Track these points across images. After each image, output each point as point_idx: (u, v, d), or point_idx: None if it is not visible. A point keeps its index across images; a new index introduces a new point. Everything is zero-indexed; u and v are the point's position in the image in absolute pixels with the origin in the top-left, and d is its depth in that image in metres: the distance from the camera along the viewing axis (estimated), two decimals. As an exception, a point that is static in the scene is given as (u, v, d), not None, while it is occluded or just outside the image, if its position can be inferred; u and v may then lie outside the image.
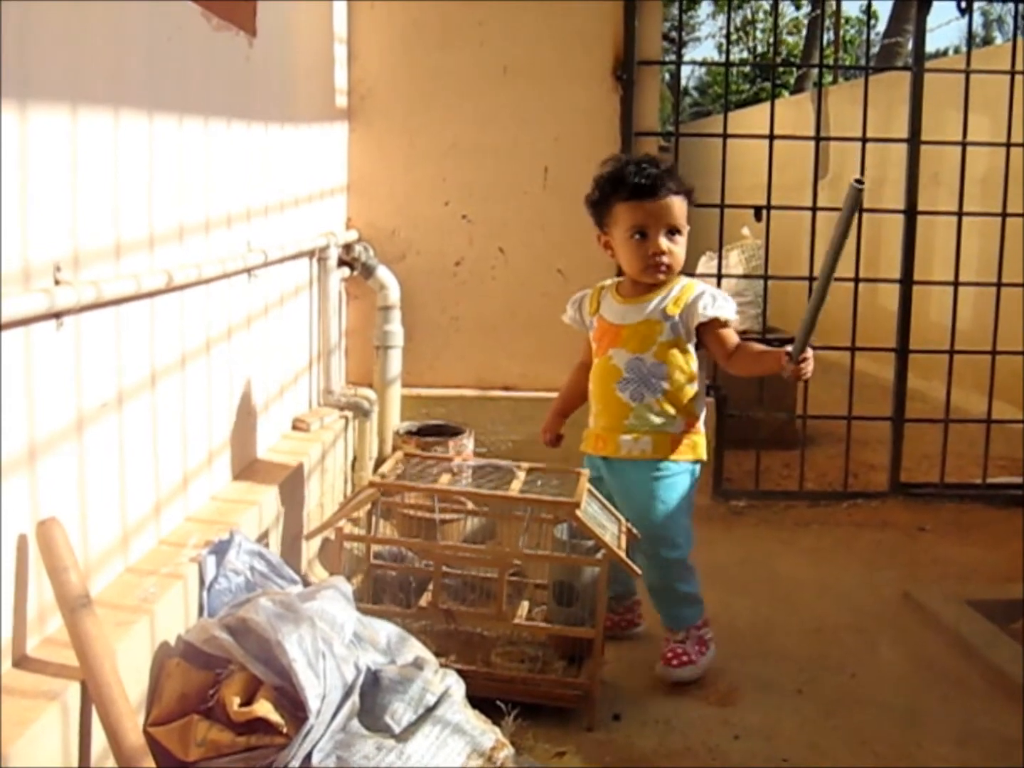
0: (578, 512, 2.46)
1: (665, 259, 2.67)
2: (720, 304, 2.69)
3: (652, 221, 2.67)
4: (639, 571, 2.52)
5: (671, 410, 2.69)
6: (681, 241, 2.70)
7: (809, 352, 2.54)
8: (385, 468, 2.76)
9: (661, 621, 2.80)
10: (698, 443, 2.75)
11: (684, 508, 2.73)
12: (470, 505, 2.82)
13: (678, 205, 2.67)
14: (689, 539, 2.76)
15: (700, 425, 2.76)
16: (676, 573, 2.75)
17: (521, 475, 2.69)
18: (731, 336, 2.72)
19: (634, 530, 2.66)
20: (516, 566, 2.73)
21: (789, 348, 2.56)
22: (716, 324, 2.69)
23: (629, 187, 2.67)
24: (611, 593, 2.80)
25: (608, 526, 2.60)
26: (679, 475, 2.72)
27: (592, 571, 2.55)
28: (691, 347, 2.71)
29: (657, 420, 2.69)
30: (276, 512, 2.81)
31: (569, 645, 2.58)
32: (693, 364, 2.72)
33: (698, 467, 2.76)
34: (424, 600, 2.62)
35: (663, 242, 2.67)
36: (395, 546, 2.79)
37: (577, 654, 2.56)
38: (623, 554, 2.48)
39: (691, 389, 2.72)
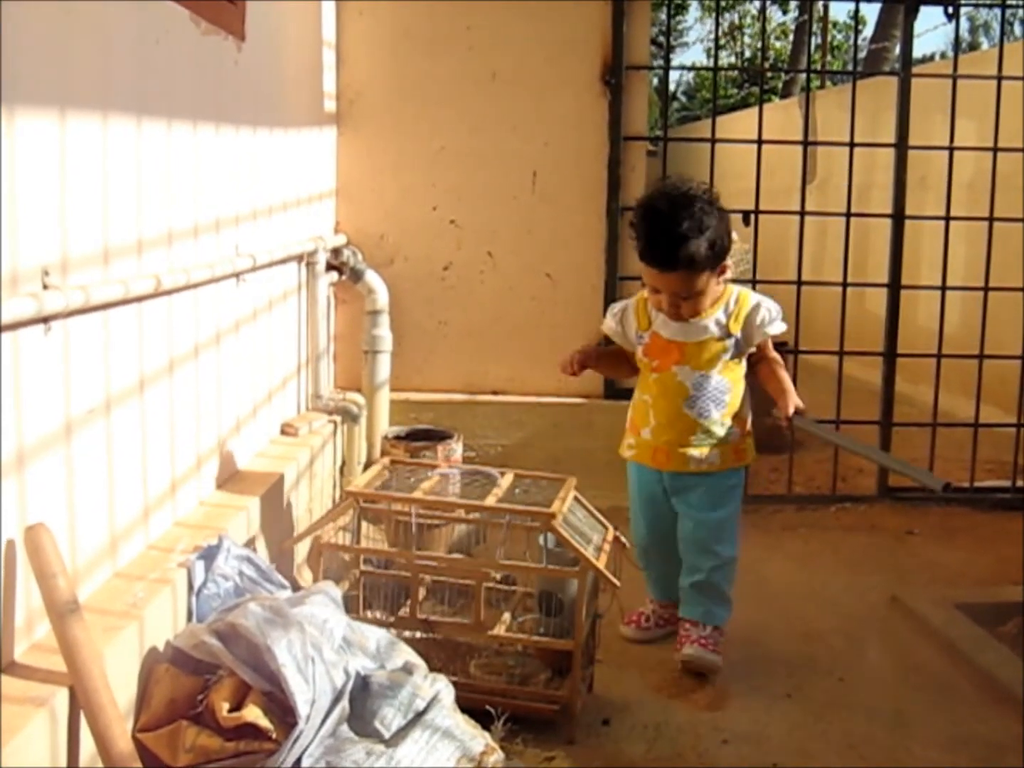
0: (554, 523, 2.45)
1: (679, 311, 2.72)
2: (774, 319, 2.79)
3: (663, 287, 2.69)
4: (617, 583, 2.50)
5: (732, 421, 2.80)
6: (700, 295, 2.69)
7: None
8: (369, 475, 2.76)
9: (689, 615, 2.84)
10: (751, 445, 2.89)
11: (736, 507, 2.89)
12: (458, 511, 2.81)
13: (689, 278, 2.65)
14: (737, 536, 2.90)
15: (749, 426, 2.87)
16: (727, 573, 2.86)
17: (504, 482, 2.69)
18: (768, 346, 2.85)
19: (622, 538, 2.67)
20: (497, 576, 2.72)
21: (798, 409, 2.70)
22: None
23: (643, 250, 2.67)
24: (665, 597, 2.99)
25: (591, 535, 2.58)
26: (737, 480, 2.88)
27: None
28: (745, 358, 2.83)
29: (721, 432, 2.79)
30: (265, 517, 2.81)
31: (554, 656, 2.55)
32: (744, 370, 2.84)
33: (747, 467, 2.93)
34: (405, 609, 2.61)
35: (672, 305, 2.71)
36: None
37: (563, 665, 2.51)
38: (601, 565, 2.46)
39: (743, 392, 2.84)
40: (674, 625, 2.97)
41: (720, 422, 2.78)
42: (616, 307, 2.96)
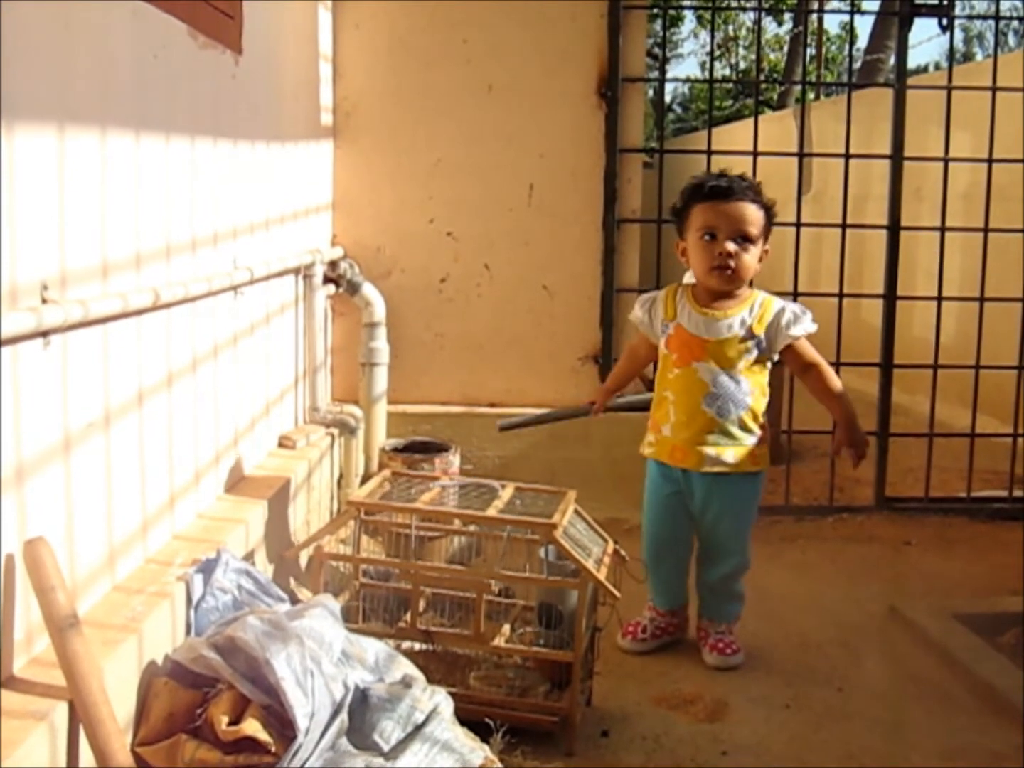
0: (555, 533, 2.45)
1: (731, 261, 2.75)
2: (801, 320, 2.81)
3: (722, 223, 2.76)
4: (618, 594, 2.50)
5: (752, 424, 2.83)
6: (752, 251, 2.77)
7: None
8: (369, 486, 2.76)
9: (706, 615, 2.99)
10: (766, 453, 2.90)
11: (753, 514, 2.95)
12: (456, 523, 2.81)
13: (752, 212, 2.75)
14: (750, 541, 2.99)
15: (766, 435, 2.90)
16: (738, 573, 2.98)
17: (505, 494, 2.69)
18: (807, 350, 2.86)
19: (622, 552, 2.67)
20: (497, 586, 2.71)
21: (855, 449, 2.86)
22: (797, 340, 2.83)
23: (706, 189, 2.78)
24: (667, 606, 3.02)
25: (591, 548, 2.58)
26: (754, 485, 2.91)
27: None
28: (770, 364, 2.87)
29: (740, 434, 2.82)
30: (263, 530, 2.81)
31: (553, 668, 2.54)
32: (767, 378, 2.87)
33: (764, 473, 2.94)
34: (404, 620, 2.61)
35: (730, 245, 2.75)
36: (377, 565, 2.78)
37: (562, 678, 2.51)
38: (602, 576, 2.47)
39: (765, 402, 2.88)
40: (672, 635, 3.02)
41: (738, 423, 2.80)
42: (646, 296, 2.99)
